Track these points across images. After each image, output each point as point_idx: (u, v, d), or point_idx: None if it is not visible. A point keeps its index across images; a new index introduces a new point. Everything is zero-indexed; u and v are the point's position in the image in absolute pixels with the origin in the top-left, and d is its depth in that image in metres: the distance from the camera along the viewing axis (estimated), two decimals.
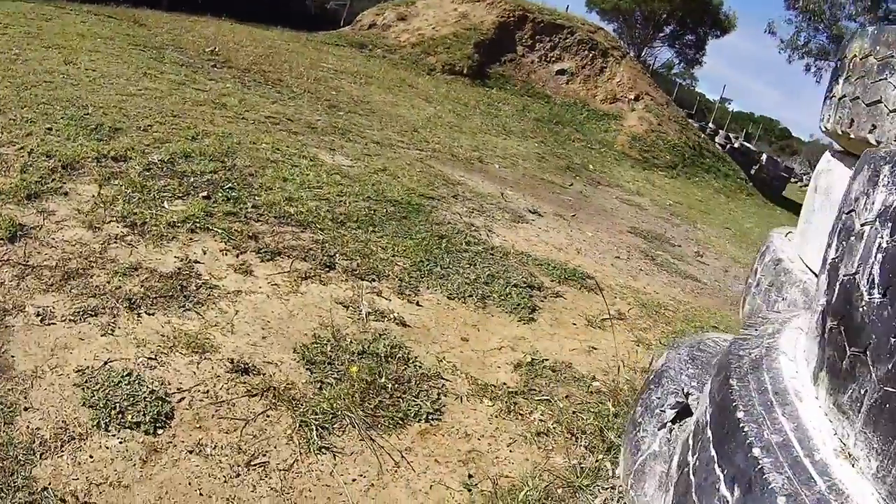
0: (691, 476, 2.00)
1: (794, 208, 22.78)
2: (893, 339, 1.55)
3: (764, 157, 30.44)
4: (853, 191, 1.95)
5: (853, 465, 1.66)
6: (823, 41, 35.34)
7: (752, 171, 26.66)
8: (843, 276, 1.82)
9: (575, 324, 5.46)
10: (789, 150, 63.00)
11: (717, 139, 28.84)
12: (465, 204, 7.97)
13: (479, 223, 7.38)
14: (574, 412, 4.10)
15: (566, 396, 4.27)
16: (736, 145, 29.96)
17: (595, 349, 5.07)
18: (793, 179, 36.41)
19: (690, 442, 2.14)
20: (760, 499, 1.61)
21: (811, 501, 1.55)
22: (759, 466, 1.64)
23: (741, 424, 1.80)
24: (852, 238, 1.83)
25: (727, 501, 1.74)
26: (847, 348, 1.73)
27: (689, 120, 25.28)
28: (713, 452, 1.88)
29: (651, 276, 7.79)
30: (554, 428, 3.90)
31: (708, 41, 47.74)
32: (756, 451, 1.69)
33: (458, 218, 7.27)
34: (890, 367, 1.55)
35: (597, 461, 3.64)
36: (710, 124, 33.73)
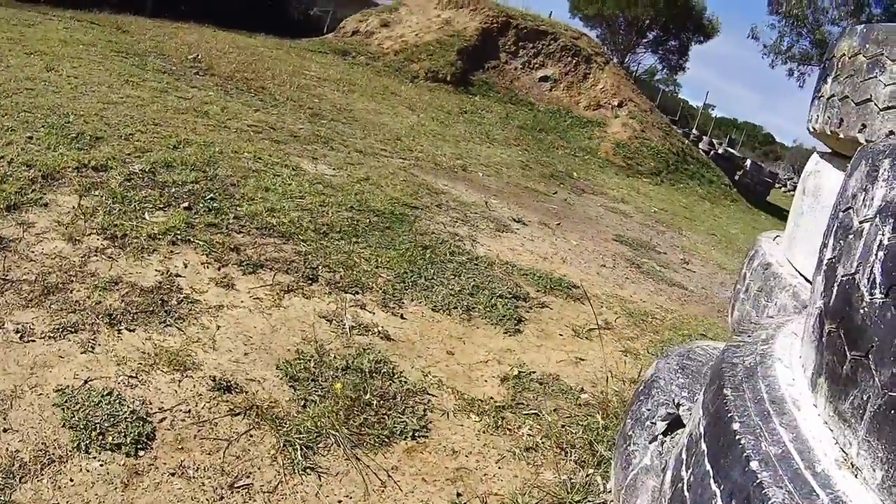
0: (686, 492, 1.93)
1: (779, 213, 22.93)
2: None
3: (748, 162, 30.61)
4: (850, 187, 1.88)
5: (856, 476, 1.59)
6: (806, 46, 35.60)
7: (737, 177, 26.79)
8: (842, 276, 1.75)
9: (562, 335, 5.42)
10: (773, 155, 63.38)
11: (700, 145, 28.99)
12: (449, 213, 7.93)
13: (464, 233, 7.34)
14: (563, 426, 4.06)
15: (554, 410, 4.23)
16: (720, 151, 30.10)
17: (582, 360, 5.03)
18: (777, 185, 36.59)
19: (684, 456, 2.08)
20: None
21: None
22: (758, 481, 1.57)
23: (737, 437, 1.72)
24: (850, 236, 1.77)
25: None
26: (847, 352, 1.66)
27: (673, 126, 25.32)
28: (708, 467, 1.81)
29: (637, 284, 7.76)
30: (543, 442, 3.85)
31: (691, 47, 48.02)
32: (754, 465, 1.61)
33: (441, 228, 7.22)
34: (895, 371, 1.49)
35: (587, 476, 3.60)
36: (694, 130, 33.89)
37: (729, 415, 1.82)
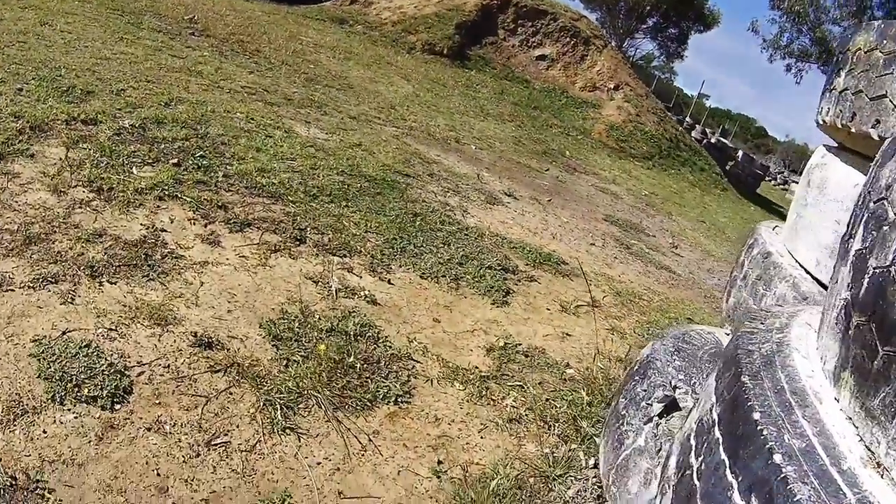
0: (696, 480, 1.85)
1: (768, 206, 22.98)
2: None
3: (740, 153, 30.50)
4: (883, 177, 1.80)
5: (883, 476, 1.53)
6: (806, 43, 35.48)
7: (728, 167, 26.70)
8: (874, 268, 1.67)
9: (549, 309, 5.37)
10: (764, 148, 63.35)
11: (693, 133, 28.84)
12: (441, 183, 7.86)
13: (454, 203, 7.28)
14: (547, 399, 4.02)
15: (539, 383, 4.19)
16: (712, 140, 29.98)
17: (569, 336, 4.99)
18: (767, 178, 36.56)
19: (693, 442, 1.99)
20: None
21: None
22: (782, 475, 1.49)
23: (759, 427, 1.64)
24: (885, 227, 1.68)
25: None
26: (879, 347, 1.57)
27: (668, 113, 25.23)
28: (724, 456, 1.73)
29: (626, 264, 7.72)
30: (526, 415, 3.82)
31: (690, 35, 47.79)
32: (777, 458, 1.54)
33: (432, 197, 7.16)
34: None
35: (570, 450, 3.56)
36: (688, 118, 33.78)
37: (748, 403, 1.74)
